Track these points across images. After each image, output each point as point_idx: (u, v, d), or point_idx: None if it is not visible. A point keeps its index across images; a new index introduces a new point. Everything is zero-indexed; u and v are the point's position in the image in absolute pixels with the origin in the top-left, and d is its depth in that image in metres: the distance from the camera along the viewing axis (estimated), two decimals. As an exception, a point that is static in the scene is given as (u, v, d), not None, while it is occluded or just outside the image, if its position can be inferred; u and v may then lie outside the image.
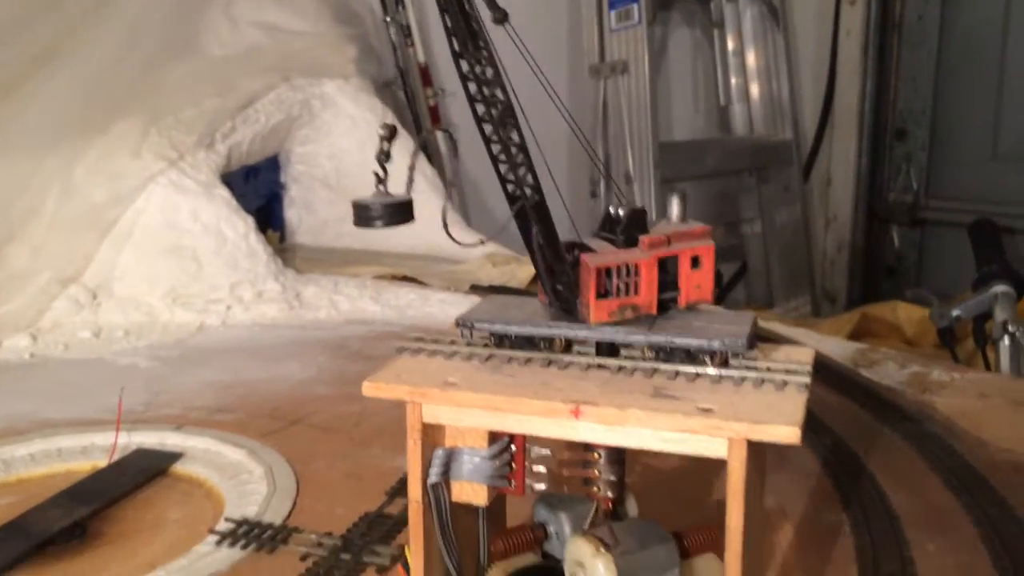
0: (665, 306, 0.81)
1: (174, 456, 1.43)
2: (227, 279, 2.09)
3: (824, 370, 1.69)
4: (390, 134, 0.98)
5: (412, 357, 0.86)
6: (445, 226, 0.87)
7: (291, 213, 2.65)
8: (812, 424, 1.49)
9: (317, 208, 2.63)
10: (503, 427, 0.76)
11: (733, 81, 4.20)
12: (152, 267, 2.06)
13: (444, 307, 2.11)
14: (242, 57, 2.40)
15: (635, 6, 3.55)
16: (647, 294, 0.79)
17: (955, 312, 2.64)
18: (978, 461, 1.34)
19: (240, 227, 2.11)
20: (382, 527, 1.19)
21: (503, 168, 0.82)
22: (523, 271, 2.26)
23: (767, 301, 4.30)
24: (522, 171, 0.79)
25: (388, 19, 3.10)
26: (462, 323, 0.83)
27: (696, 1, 4.17)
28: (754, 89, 4.22)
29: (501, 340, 0.84)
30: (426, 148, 3.05)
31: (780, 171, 4.21)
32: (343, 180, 2.59)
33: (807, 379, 0.76)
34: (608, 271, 0.79)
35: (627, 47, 3.60)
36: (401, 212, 0.94)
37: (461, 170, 3.34)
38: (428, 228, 2.66)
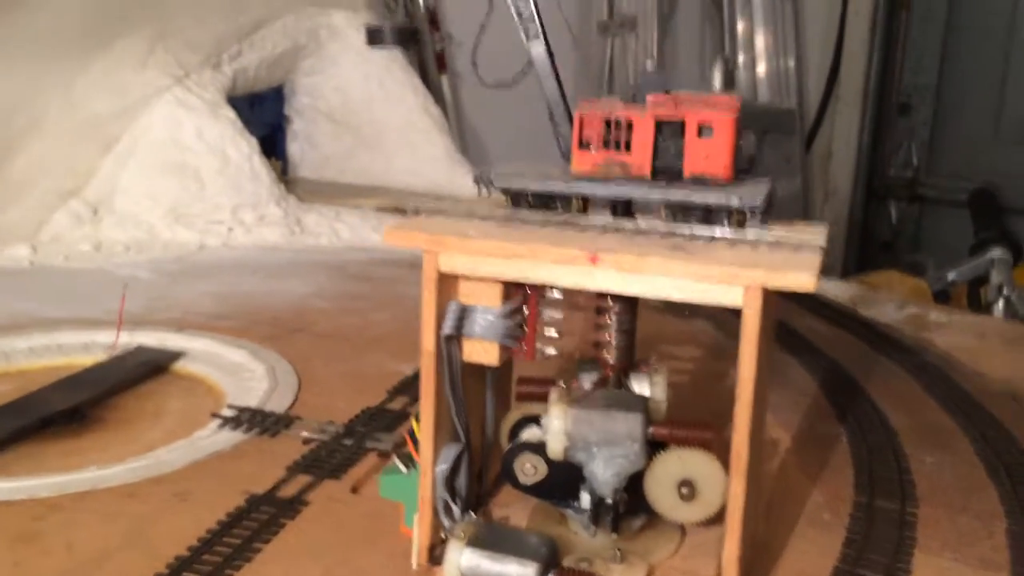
0: (669, 174, 0.80)
1: (175, 355, 1.43)
2: (229, 200, 2.08)
3: (824, 307, 1.70)
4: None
5: (429, 218, 0.86)
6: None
7: (294, 147, 2.63)
8: (809, 349, 1.51)
9: (320, 142, 2.61)
10: (520, 275, 0.76)
11: (740, 48, 4.18)
12: (154, 184, 2.05)
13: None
14: (251, -18, 2.37)
15: (646, -38, 3.54)
16: (640, 153, 0.79)
17: (951, 275, 2.66)
18: (975, 389, 1.35)
19: (244, 148, 2.10)
20: (384, 419, 1.19)
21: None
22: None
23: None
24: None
25: (398, -40, 3.08)
26: (480, 178, 0.83)
27: (708, -36, 4.14)
28: (761, 59, 4.20)
29: (518, 201, 0.84)
30: (434, 94, 3.03)
31: (782, 140, 4.20)
32: (348, 115, 2.58)
33: (821, 243, 0.76)
34: (604, 122, 0.79)
35: (636, 3, 3.58)
36: (407, 35, 0.97)
37: (464, 116, 3.33)
38: (430, 166, 2.65)
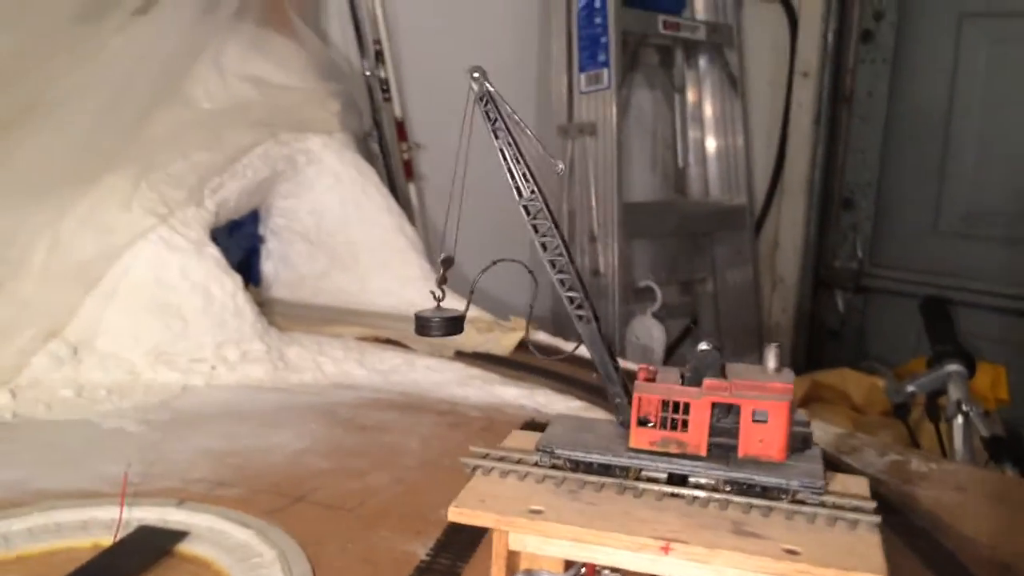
0: (723, 449, 0.84)
1: (179, 534, 1.41)
2: (213, 338, 2.07)
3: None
4: (448, 264, 1.10)
5: (485, 476, 0.88)
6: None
7: (268, 265, 2.63)
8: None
9: (295, 262, 2.62)
10: (589, 559, 0.79)
11: (692, 144, 4.32)
12: (137, 324, 2.03)
13: (430, 374, 2.12)
14: (231, 111, 2.39)
15: (605, 70, 3.64)
16: (696, 434, 0.83)
17: (910, 388, 2.75)
18: (968, 559, 1.41)
19: (228, 286, 2.09)
20: (407, 620, 1.19)
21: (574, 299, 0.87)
22: (507, 338, 2.29)
23: (717, 360, 4.39)
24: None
25: (367, 73, 3.12)
26: (543, 448, 0.86)
27: (659, 65, 4.28)
28: (711, 152, 4.35)
29: (576, 463, 0.87)
30: (400, 201, 3.06)
31: (734, 234, 4.33)
32: (323, 236, 2.59)
33: (877, 518, 0.80)
34: (662, 403, 0.83)
35: (596, 109, 3.68)
36: (455, 324, 1.03)
37: (429, 223, 3.37)
38: (408, 287, 2.67)
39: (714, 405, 0.80)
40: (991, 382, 3.35)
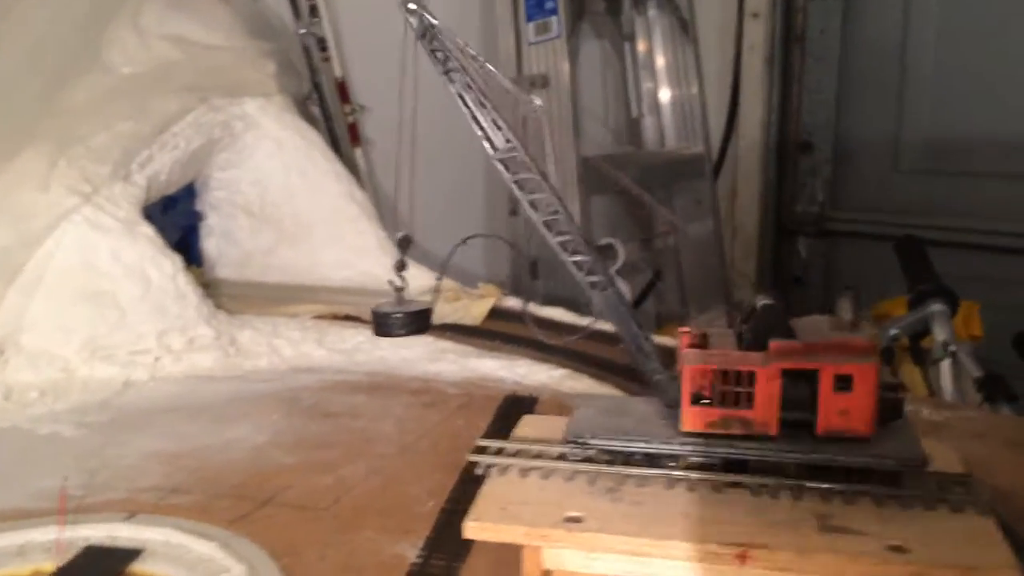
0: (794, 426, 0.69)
1: (131, 553, 1.23)
2: (153, 327, 1.87)
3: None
4: (406, 244, 0.96)
5: (501, 476, 0.72)
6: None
7: (209, 243, 2.43)
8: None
9: (239, 238, 2.41)
10: (646, 573, 0.63)
11: (644, 93, 4.17)
12: (67, 316, 1.83)
13: (398, 350, 1.95)
14: (154, 75, 2.17)
15: (553, 18, 3.46)
16: (765, 409, 0.68)
17: (892, 331, 2.65)
18: (1008, 514, 1.29)
19: (167, 268, 1.90)
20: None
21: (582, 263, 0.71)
22: (476, 307, 2.13)
23: (682, 314, 4.28)
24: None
25: (302, 31, 2.90)
26: (575, 439, 0.70)
27: (606, 12, 4.11)
28: (665, 101, 4.20)
29: (614, 454, 0.71)
30: (348, 168, 2.86)
31: (692, 184, 4.20)
32: (268, 208, 2.39)
33: (985, 495, 0.66)
34: (717, 374, 0.67)
35: (546, 60, 3.50)
36: (420, 320, 0.88)
37: (380, 191, 3.17)
38: (363, 258, 2.48)
39: (784, 372, 0.65)
40: (963, 319, 3.28)
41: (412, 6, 0.75)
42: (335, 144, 3.01)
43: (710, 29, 4.34)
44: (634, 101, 4.16)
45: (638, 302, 4.36)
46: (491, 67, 0.80)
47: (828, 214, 4.31)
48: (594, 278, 0.70)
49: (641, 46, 4.15)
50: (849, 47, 4.18)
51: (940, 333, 2.54)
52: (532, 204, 0.73)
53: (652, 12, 4.11)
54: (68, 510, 1.28)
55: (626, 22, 4.08)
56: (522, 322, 2.05)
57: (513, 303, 2.22)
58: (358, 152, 3.06)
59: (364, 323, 2.10)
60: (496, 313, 2.15)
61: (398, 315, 0.78)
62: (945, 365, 2.48)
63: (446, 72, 0.77)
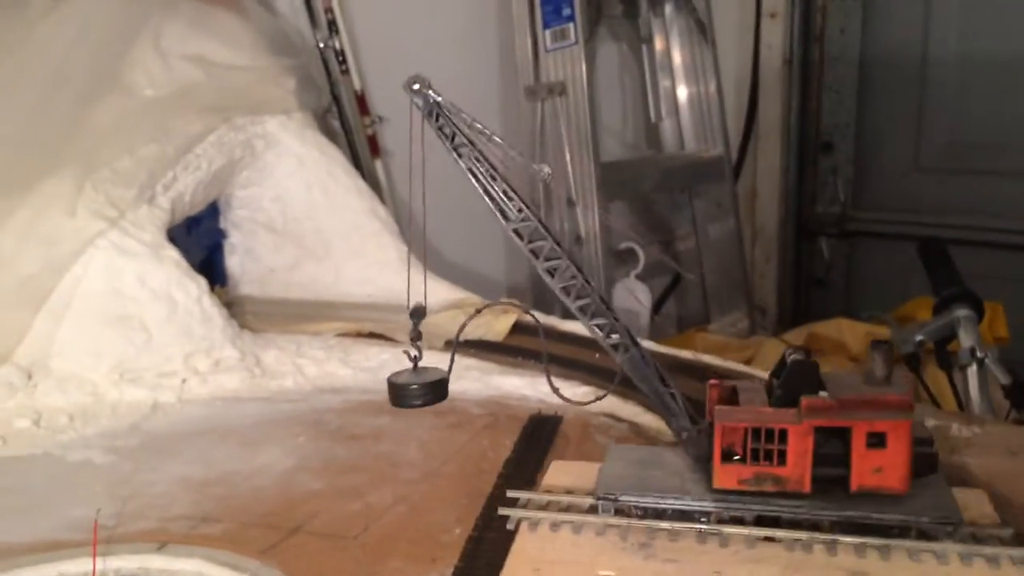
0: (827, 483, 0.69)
1: (164, 586, 1.25)
2: (180, 349, 1.89)
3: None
4: (419, 314, 0.99)
5: (532, 532, 0.72)
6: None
7: (232, 261, 2.44)
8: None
9: (261, 255, 2.42)
10: (681, 638, 0.64)
11: (663, 96, 4.15)
12: (95, 340, 1.84)
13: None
14: (176, 97, 2.18)
15: (571, 25, 3.46)
16: (797, 467, 0.67)
17: (918, 336, 2.63)
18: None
19: (192, 290, 1.91)
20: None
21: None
22: (499, 322, 2.13)
23: (703, 317, 4.27)
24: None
25: (321, 45, 2.91)
26: (606, 496, 0.70)
27: (623, 16, 4.10)
28: (683, 102, 4.18)
29: (645, 510, 0.71)
30: (368, 181, 2.87)
31: (713, 187, 4.18)
32: (290, 224, 2.40)
33: (1021, 550, 0.66)
34: (749, 431, 0.67)
35: (564, 67, 3.49)
36: (438, 389, 0.90)
37: (399, 201, 3.18)
38: (382, 272, 2.48)
39: (816, 429, 0.65)
40: (988, 321, 3.25)
41: (416, 87, 0.75)
42: (355, 156, 3.02)
43: (728, 30, 4.32)
44: (652, 104, 4.15)
45: (659, 304, 4.35)
46: (498, 139, 0.80)
47: (850, 214, 4.28)
48: (615, 340, 0.70)
49: (659, 48, 4.14)
50: (869, 46, 4.15)
51: (966, 339, 2.52)
52: (549, 271, 0.73)
53: (669, 13, 4.09)
54: (101, 542, 1.30)
55: (643, 24, 4.06)
56: (546, 337, 2.05)
57: (536, 317, 2.22)
58: (378, 164, 3.06)
59: (388, 340, 2.11)
60: (519, 328, 2.15)
61: (414, 386, 0.79)
62: (972, 371, 2.46)
63: (454, 149, 0.78)
